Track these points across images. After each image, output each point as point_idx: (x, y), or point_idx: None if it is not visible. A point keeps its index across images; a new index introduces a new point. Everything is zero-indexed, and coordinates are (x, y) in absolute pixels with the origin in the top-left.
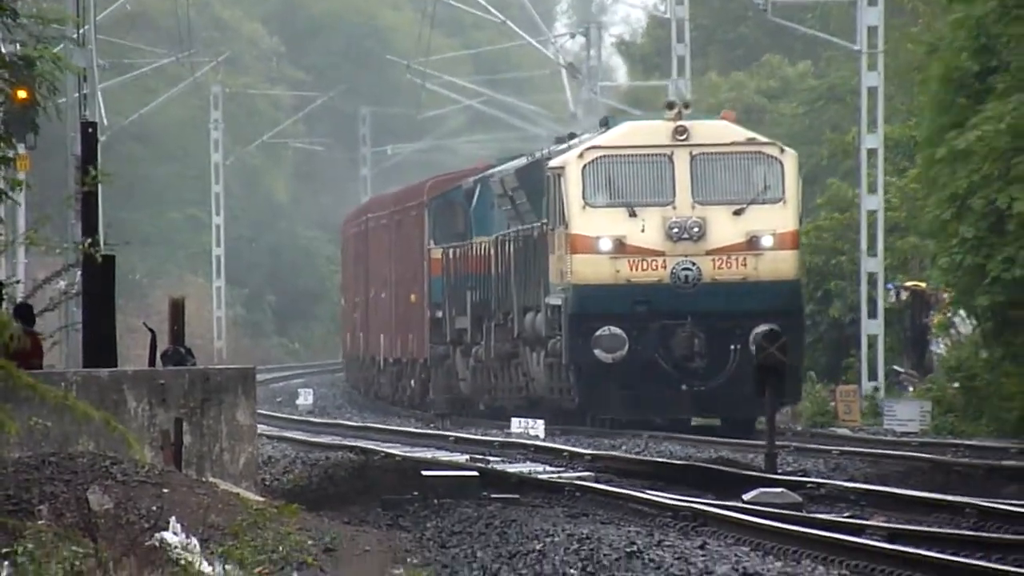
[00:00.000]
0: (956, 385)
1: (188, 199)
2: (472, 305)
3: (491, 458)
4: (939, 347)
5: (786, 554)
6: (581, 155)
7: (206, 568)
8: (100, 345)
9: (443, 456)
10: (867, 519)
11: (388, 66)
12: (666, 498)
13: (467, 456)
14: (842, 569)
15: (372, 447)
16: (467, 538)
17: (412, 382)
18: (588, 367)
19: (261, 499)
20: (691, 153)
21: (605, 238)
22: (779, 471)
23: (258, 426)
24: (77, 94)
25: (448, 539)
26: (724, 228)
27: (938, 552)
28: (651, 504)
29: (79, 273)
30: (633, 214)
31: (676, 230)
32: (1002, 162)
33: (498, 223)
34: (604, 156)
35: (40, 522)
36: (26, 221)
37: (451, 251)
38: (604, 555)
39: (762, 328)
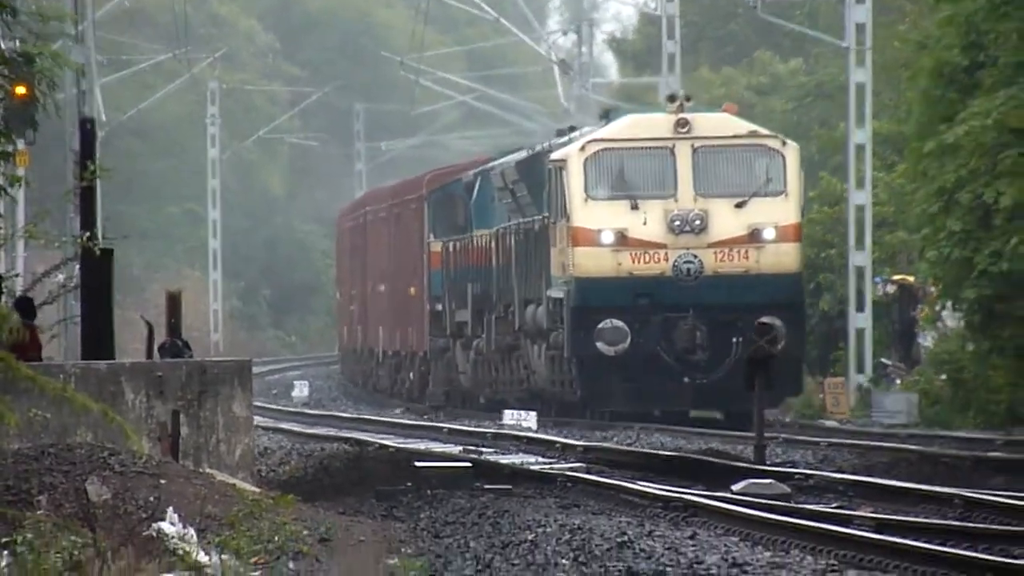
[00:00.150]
0: (943, 378)
1: (185, 194)
2: (473, 298)
3: (484, 449)
4: (927, 340)
5: (775, 544)
6: (583, 148)
7: (203, 558)
8: (98, 338)
9: (437, 447)
10: (855, 509)
11: (382, 62)
12: (657, 489)
13: (460, 448)
14: (830, 559)
15: (367, 439)
16: (460, 528)
17: (411, 375)
18: (590, 360)
19: (257, 490)
20: (693, 146)
21: (607, 231)
22: (768, 462)
23: (254, 418)
24: (76, 90)
25: (442, 529)
26: (726, 221)
27: (925, 542)
28: (642, 495)
29: (77, 267)
30: (635, 207)
31: (678, 223)
32: (989, 157)
33: (498, 216)
34: (606, 149)
35: (39, 512)
36: (26, 215)
37: (451, 244)
38: (596, 545)
39: (764, 320)
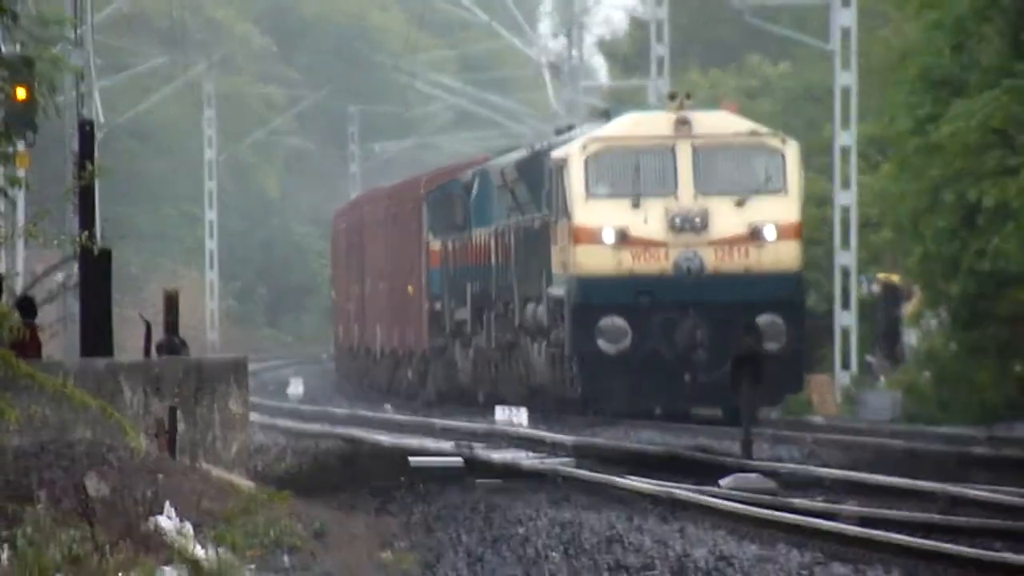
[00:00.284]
0: (927, 375)
1: (182, 195)
2: (472, 296)
3: (476, 445)
4: (911, 338)
5: (761, 538)
6: (584, 146)
7: (199, 552)
8: (97, 336)
9: (430, 444)
10: (840, 504)
11: (376, 66)
12: (645, 484)
13: (453, 444)
14: (815, 552)
15: (361, 435)
16: (452, 523)
17: (409, 373)
18: (591, 358)
19: (253, 485)
20: (693, 144)
21: (608, 229)
22: (755, 458)
23: (250, 414)
24: (75, 93)
25: (434, 524)
26: (726, 219)
27: (908, 536)
28: (631, 490)
29: (76, 266)
30: (636, 205)
31: (679, 221)
32: (973, 157)
33: (497, 214)
34: (606, 147)
35: (39, 507)
36: (25, 215)
37: (450, 243)
38: (585, 539)
39: (765, 318)
